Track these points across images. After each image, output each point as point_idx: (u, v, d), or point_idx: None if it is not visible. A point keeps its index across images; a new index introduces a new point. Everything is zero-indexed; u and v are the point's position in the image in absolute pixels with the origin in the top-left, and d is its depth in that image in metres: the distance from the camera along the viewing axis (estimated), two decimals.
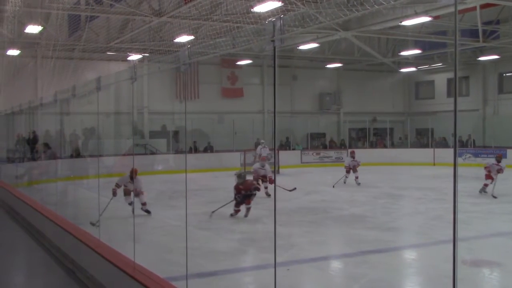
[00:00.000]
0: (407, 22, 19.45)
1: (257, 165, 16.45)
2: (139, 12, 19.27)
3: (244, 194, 12.50)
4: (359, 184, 18.96)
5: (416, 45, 27.09)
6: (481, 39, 23.15)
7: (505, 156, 26.80)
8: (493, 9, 21.93)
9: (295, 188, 15.18)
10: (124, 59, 25.98)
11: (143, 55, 25.57)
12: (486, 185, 15.99)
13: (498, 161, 16.27)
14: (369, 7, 17.14)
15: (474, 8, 19.90)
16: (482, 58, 28.24)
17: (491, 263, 8.63)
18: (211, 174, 23.45)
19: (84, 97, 10.27)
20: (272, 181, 15.19)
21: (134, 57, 25.63)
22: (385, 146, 31.88)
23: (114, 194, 12.17)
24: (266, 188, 15.90)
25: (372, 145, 32.18)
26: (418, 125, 34.09)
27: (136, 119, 27.66)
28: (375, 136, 33.67)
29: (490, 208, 14.20)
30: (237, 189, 12.59)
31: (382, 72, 33.42)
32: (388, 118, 32.76)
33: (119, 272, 6.26)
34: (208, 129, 27.72)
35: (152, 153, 26.15)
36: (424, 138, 32.22)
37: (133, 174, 12.47)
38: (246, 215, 12.52)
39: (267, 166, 16.08)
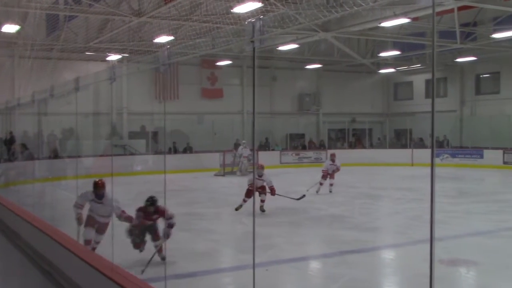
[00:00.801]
0: (386, 24, 19.60)
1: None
2: (119, 12, 19.16)
3: (148, 225, 8.42)
4: (330, 191, 17.20)
5: (395, 46, 27.28)
6: (458, 40, 23.40)
7: (481, 156, 27.28)
8: (470, 12, 22.19)
9: (304, 196, 14.18)
10: (103, 59, 25.82)
11: (123, 56, 25.44)
12: None
13: None
14: (348, 8, 17.24)
15: (452, 10, 20.12)
16: (459, 60, 28.52)
17: (468, 262, 8.72)
18: (190, 174, 23.39)
19: (62, 98, 10.18)
20: (275, 192, 13.34)
21: (113, 57, 25.48)
22: (364, 147, 32.11)
23: (80, 221, 8.64)
24: (262, 202, 13.34)
25: (351, 146, 32.32)
26: (397, 125, 34.40)
27: (115, 119, 27.48)
28: (354, 136, 33.87)
29: (467, 208, 14.37)
30: (141, 216, 8.41)
31: (361, 73, 33.61)
32: (367, 119, 32.99)
33: (97, 274, 6.22)
34: (187, 129, 27.64)
35: (131, 153, 26.02)
36: (402, 139, 32.52)
37: (99, 190, 8.66)
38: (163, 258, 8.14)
39: (266, 176, 13.45)
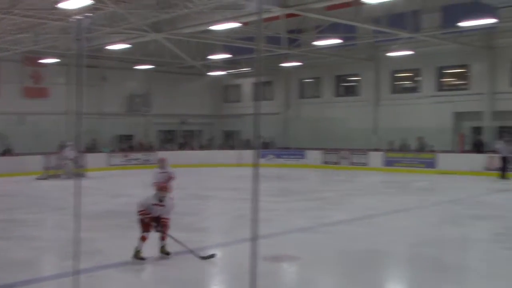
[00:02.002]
0: (216, 27, 19.94)
1: (151, 200, 9.09)
2: None
3: None
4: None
5: (225, 49, 27.85)
6: (284, 46, 24.58)
7: (303, 156, 28.95)
8: (296, 19, 23.50)
9: (213, 255, 9.03)
10: None
11: None
12: None
13: None
14: (178, 10, 17.34)
15: (278, 17, 21.05)
16: (285, 65, 29.90)
17: (290, 257, 9.20)
18: (11, 178, 22.05)
19: None
20: (167, 230, 9.14)
21: None
22: (193, 148, 32.43)
23: None
24: (163, 239, 9.14)
25: (181, 147, 32.50)
26: (226, 127, 35.32)
27: None
28: (184, 138, 34.13)
29: (289, 206, 15.13)
30: None
31: (192, 75, 33.92)
32: (197, 120, 33.42)
33: None
34: (7, 130, 25.97)
35: None
36: (231, 140, 33.41)
37: None
38: None
39: (168, 201, 9.28)
